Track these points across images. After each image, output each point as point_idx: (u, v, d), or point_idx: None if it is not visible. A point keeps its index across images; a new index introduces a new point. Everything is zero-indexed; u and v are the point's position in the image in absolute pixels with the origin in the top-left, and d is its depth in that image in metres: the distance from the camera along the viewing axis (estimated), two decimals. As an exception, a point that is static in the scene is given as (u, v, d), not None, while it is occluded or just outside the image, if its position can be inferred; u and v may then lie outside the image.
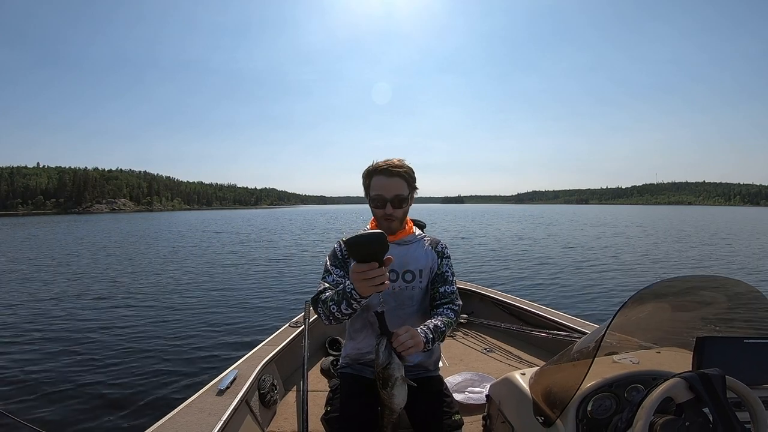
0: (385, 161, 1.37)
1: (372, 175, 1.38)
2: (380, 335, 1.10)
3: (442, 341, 1.35)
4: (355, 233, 1.01)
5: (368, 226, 1.48)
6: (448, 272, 1.46)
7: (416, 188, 1.43)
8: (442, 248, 1.49)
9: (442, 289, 1.42)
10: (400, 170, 1.35)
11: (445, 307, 1.39)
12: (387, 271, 1.02)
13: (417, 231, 1.51)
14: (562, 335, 2.53)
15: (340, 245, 1.42)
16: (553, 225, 32.01)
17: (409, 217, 1.50)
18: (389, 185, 1.34)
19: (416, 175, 1.41)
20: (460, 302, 1.45)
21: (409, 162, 1.40)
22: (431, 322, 1.29)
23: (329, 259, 1.42)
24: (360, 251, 1.00)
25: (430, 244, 1.48)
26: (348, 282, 1.11)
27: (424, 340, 1.18)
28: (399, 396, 1.08)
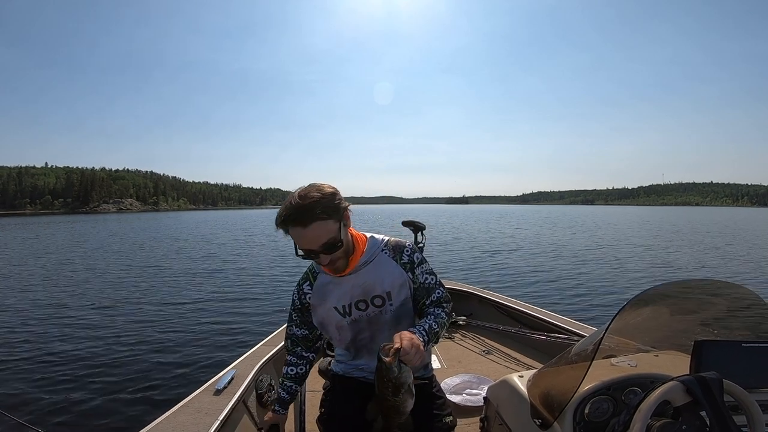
0: (287, 208, 1.08)
1: (286, 226, 1.10)
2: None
3: (436, 343, 1.25)
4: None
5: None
6: (428, 279, 1.29)
7: (345, 207, 1.15)
8: (409, 256, 1.28)
9: (428, 301, 1.29)
10: (315, 212, 1.06)
11: (435, 307, 1.28)
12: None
13: (372, 239, 1.30)
14: (560, 338, 2.52)
15: (299, 291, 1.34)
16: (593, 230, 27.28)
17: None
18: (310, 237, 1.09)
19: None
20: (451, 302, 1.34)
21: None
22: (426, 322, 1.19)
23: (291, 307, 1.37)
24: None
25: (393, 256, 1.27)
26: (282, 392, 1.38)
27: (422, 343, 1.13)
28: (410, 400, 1.07)
